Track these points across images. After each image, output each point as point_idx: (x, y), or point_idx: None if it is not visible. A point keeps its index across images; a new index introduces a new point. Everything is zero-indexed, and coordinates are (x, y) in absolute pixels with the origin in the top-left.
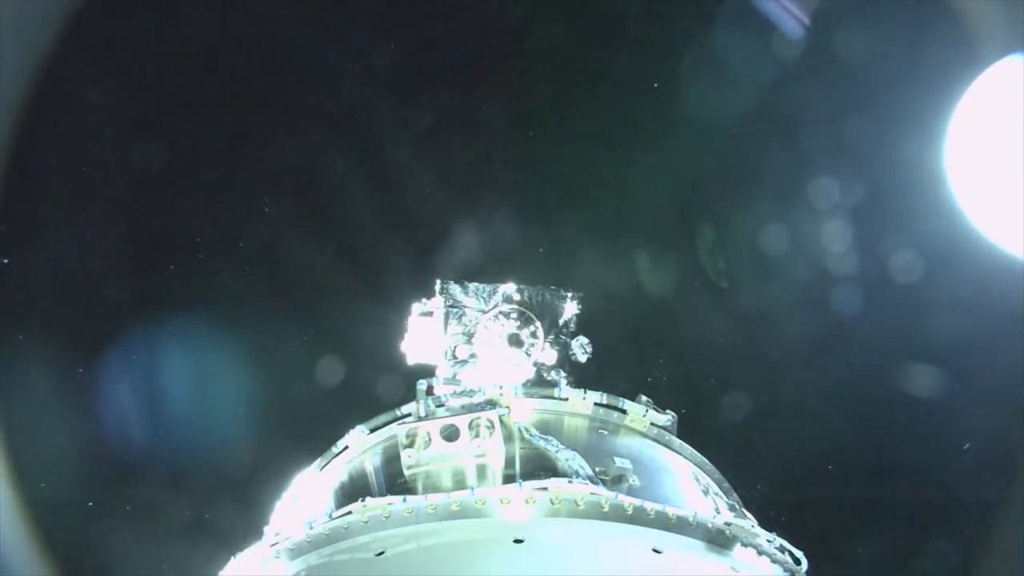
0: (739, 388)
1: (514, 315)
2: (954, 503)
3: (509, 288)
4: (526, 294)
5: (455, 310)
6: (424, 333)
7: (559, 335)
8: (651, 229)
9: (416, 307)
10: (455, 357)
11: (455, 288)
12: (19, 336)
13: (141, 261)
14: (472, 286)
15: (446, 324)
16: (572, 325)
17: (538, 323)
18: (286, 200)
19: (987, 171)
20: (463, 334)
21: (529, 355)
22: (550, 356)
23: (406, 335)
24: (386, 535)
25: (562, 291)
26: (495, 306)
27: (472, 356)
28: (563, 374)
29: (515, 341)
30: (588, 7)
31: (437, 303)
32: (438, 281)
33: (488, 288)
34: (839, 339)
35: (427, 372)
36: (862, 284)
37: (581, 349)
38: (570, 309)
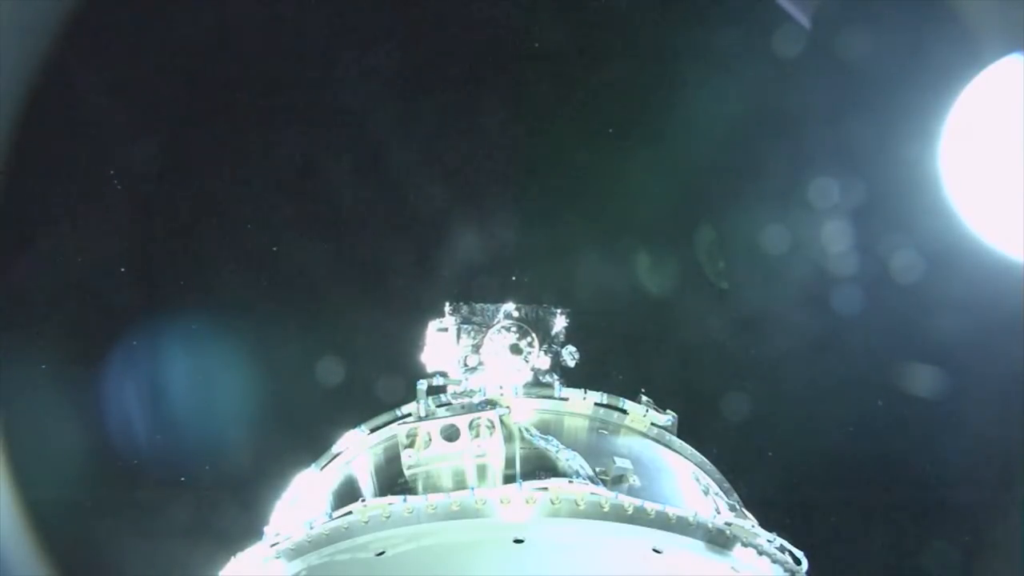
0: (739, 388)
1: (514, 329)
2: (954, 503)
3: (509, 307)
4: (523, 311)
5: (465, 326)
6: (440, 346)
7: (551, 345)
8: (651, 229)
9: (432, 324)
10: (466, 365)
11: (464, 308)
12: (19, 336)
13: (141, 261)
14: (478, 306)
15: (458, 338)
16: (562, 336)
17: (534, 335)
18: (287, 200)
19: (986, 171)
20: (472, 345)
21: (527, 361)
22: (544, 362)
23: (425, 348)
24: (386, 535)
25: (553, 308)
26: (498, 322)
27: (480, 364)
28: (556, 377)
29: (515, 350)
30: (588, 7)
31: (449, 321)
32: (447, 303)
33: (491, 307)
34: (839, 339)
35: (429, 373)
36: (862, 284)
37: (570, 356)
38: (560, 323)
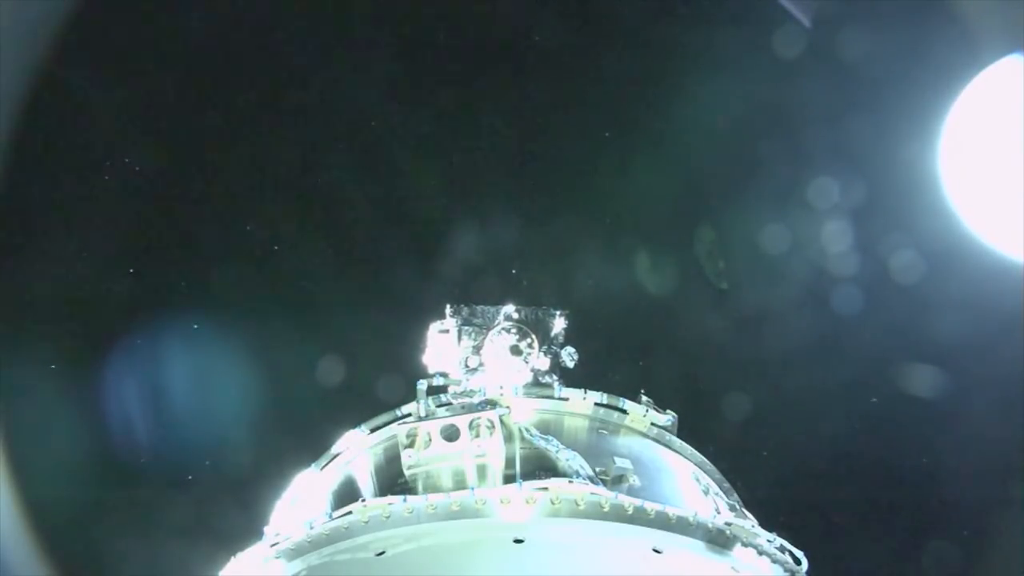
0: (739, 388)
1: (514, 330)
2: (954, 503)
3: (509, 308)
4: (523, 313)
5: (466, 328)
6: (442, 347)
7: (551, 346)
8: (651, 229)
9: (434, 326)
10: (467, 366)
11: (464, 310)
12: (19, 336)
13: (141, 261)
14: (479, 308)
15: (459, 339)
16: (561, 337)
17: (533, 336)
18: (287, 200)
19: (986, 171)
20: (473, 347)
21: (527, 362)
22: (544, 363)
23: (427, 349)
24: (386, 535)
25: (552, 310)
26: (498, 323)
27: (481, 365)
28: (555, 377)
29: (515, 351)
30: (588, 7)
31: (450, 323)
32: (448, 305)
33: (492, 309)
34: (839, 339)
35: (430, 374)
36: (862, 284)
37: (569, 356)
38: (559, 324)
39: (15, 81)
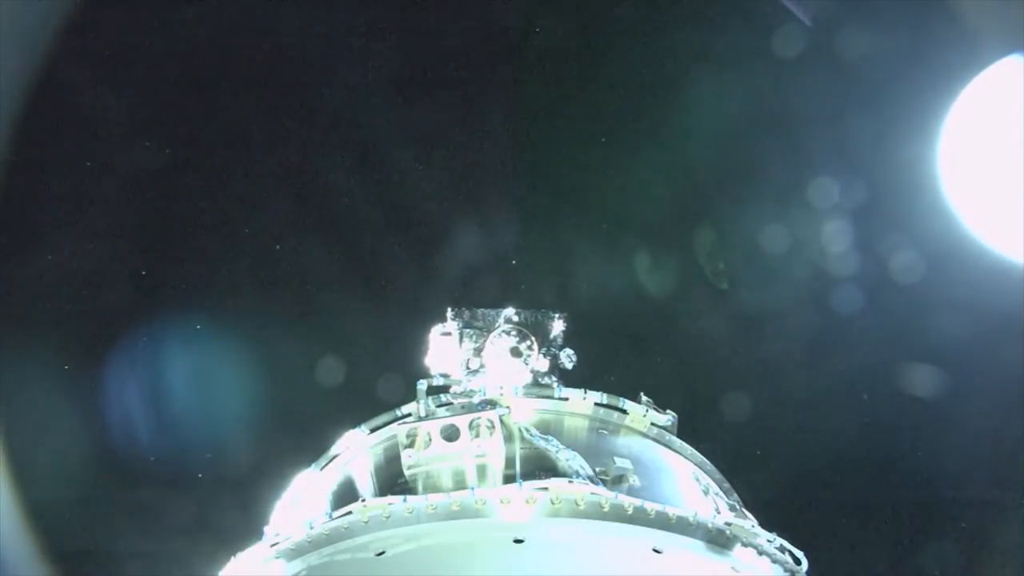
0: (739, 388)
1: (514, 332)
2: (954, 503)
3: (509, 311)
4: (523, 316)
5: (467, 330)
6: (443, 349)
7: (550, 348)
8: (651, 229)
9: (435, 329)
10: (468, 368)
11: (466, 313)
12: (20, 336)
13: (141, 261)
14: (480, 311)
15: (460, 341)
16: (560, 340)
17: (533, 338)
18: (286, 200)
19: (986, 171)
20: (474, 349)
21: (527, 364)
22: (543, 364)
23: (429, 351)
24: (386, 535)
25: (551, 312)
26: (498, 326)
27: (482, 366)
28: (554, 378)
29: (515, 353)
30: (588, 7)
31: (452, 325)
32: (450, 308)
33: (492, 312)
34: (839, 339)
35: (428, 373)
36: (862, 285)
37: (568, 358)
38: (558, 327)
39: (15, 81)
